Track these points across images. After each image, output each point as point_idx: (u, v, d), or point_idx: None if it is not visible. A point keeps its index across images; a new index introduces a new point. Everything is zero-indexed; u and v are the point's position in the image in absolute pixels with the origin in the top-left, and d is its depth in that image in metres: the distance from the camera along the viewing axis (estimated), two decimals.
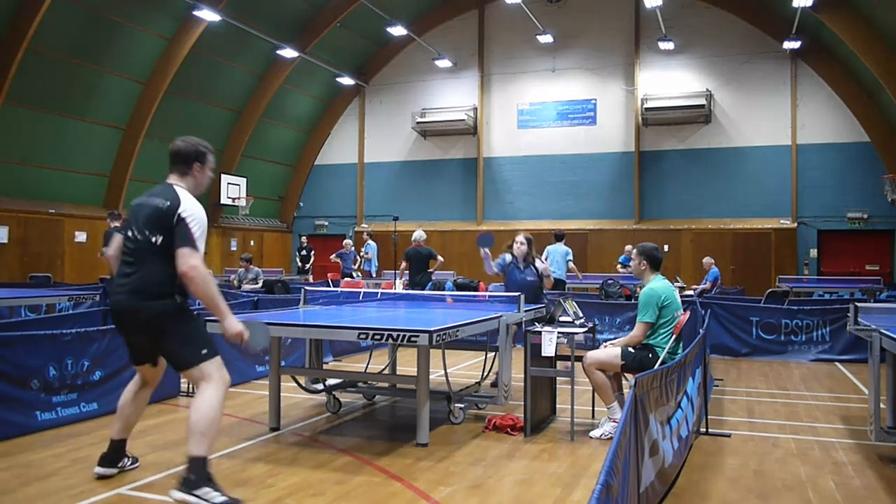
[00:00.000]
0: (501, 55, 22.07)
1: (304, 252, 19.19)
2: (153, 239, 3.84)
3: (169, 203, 3.85)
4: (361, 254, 16.84)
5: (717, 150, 19.87)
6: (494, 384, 6.62)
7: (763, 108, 19.51)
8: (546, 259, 12.63)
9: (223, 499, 3.67)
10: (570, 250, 12.92)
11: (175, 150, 4.06)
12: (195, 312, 4.12)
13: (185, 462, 3.77)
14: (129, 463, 4.38)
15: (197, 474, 3.68)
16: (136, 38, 16.99)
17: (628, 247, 16.59)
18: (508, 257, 7.42)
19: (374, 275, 16.75)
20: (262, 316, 5.59)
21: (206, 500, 3.63)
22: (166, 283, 3.85)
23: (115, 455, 4.28)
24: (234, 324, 3.92)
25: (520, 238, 7.37)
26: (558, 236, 13.10)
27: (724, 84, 19.84)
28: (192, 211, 3.85)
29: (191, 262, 3.73)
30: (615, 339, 5.71)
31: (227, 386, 4.00)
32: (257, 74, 20.64)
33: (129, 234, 3.94)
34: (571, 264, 12.90)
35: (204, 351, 3.92)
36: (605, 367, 5.34)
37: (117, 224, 10.68)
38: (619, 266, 16.43)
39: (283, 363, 5.92)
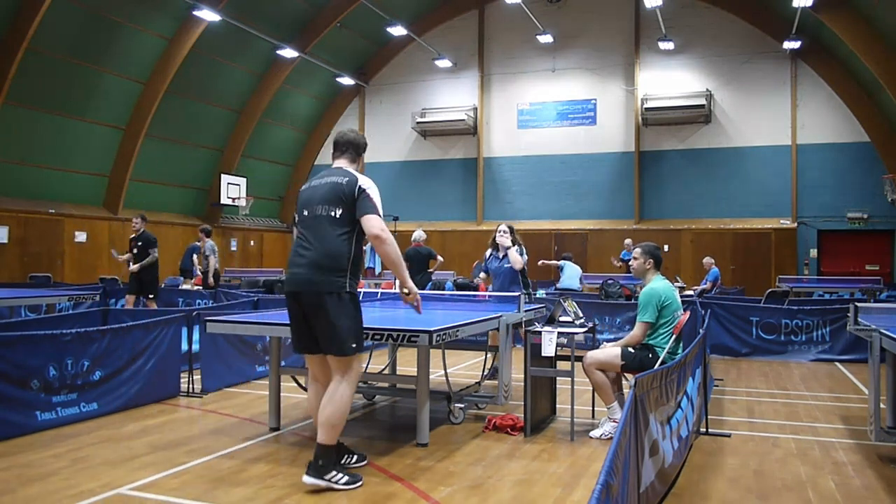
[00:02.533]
0: (501, 55, 22.07)
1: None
2: (333, 212, 4.09)
3: (348, 179, 4.13)
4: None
5: (717, 150, 19.87)
6: (493, 375, 6.61)
7: (763, 108, 19.52)
8: (561, 269, 13.83)
9: (347, 478, 4.03)
10: (580, 270, 14.05)
11: (347, 139, 4.37)
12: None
13: (314, 450, 4.08)
14: (353, 460, 4.46)
15: (326, 460, 3.99)
16: (136, 38, 16.99)
17: (628, 241, 16.66)
18: (488, 252, 7.55)
19: (378, 272, 16.77)
20: (268, 316, 5.59)
21: (334, 482, 3.98)
22: (340, 258, 4.07)
23: (339, 453, 4.37)
24: (413, 287, 4.26)
25: (502, 227, 7.43)
26: (566, 257, 14.10)
27: (724, 84, 19.85)
28: (371, 184, 4.14)
29: (381, 225, 4.04)
30: (615, 339, 5.70)
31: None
32: (257, 74, 20.64)
33: (307, 213, 4.16)
34: (582, 283, 14.01)
35: (353, 346, 4.11)
36: (605, 367, 5.34)
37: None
38: (614, 261, 16.47)
39: (283, 363, 5.91)
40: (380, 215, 4.08)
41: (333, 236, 4.07)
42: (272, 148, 22.78)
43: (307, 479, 3.99)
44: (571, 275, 13.59)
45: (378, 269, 17.01)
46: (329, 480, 3.98)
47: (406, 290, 4.26)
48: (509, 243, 7.25)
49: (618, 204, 20.63)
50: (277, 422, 5.51)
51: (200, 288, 13.83)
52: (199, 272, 16.70)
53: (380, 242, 4.05)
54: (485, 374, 6.60)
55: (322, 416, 4.04)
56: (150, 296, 10.77)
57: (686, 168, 20.13)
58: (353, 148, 4.37)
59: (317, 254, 4.07)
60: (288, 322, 4.31)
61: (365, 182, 4.13)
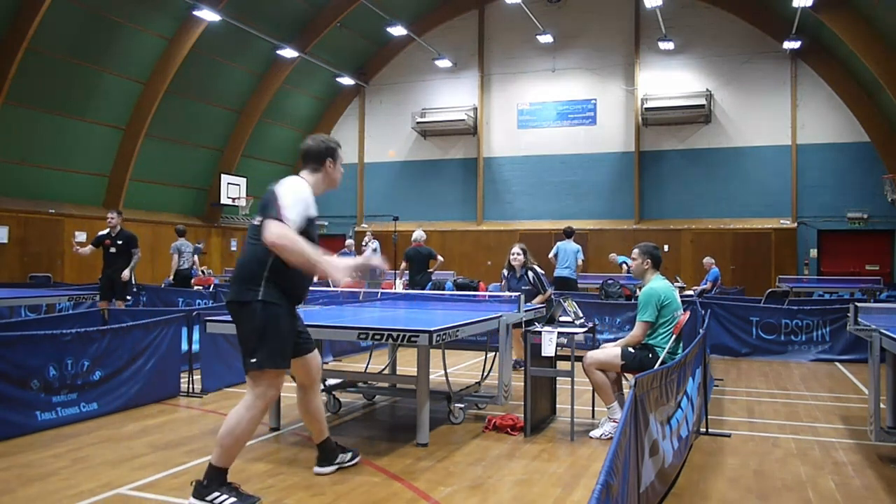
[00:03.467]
0: (501, 55, 22.07)
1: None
2: (255, 221, 3.86)
3: (274, 187, 3.82)
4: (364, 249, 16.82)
5: (717, 150, 19.87)
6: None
7: (763, 108, 19.51)
8: (556, 256, 12.66)
9: (233, 500, 3.74)
10: (580, 248, 12.80)
11: (306, 148, 4.10)
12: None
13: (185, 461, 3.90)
14: (348, 458, 4.46)
15: (209, 480, 3.76)
16: (136, 38, 16.99)
17: (612, 256, 16.55)
18: (506, 272, 7.88)
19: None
20: None
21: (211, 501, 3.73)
22: (256, 268, 3.82)
23: (329, 454, 4.39)
24: (328, 269, 3.75)
25: (514, 249, 7.77)
26: (568, 233, 12.93)
27: (724, 84, 19.85)
28: (289, 185, 3.81)
29: (279, 231, 3.62)
30: (615, 339, 5.70)
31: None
32: (257, 74, 20.63)
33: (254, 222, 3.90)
34: (580, 262, 12.82)
35: (265, 360, 3.89)
36: (606, 367, 5.34)
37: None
38: (614, 257, 16.31)
39: None
40: (285, 219, 3.64)
41: (251, 246, 3.84)
42: (272, 148, 22.78)
43: (318, 470, 3.98)
44: (562, 259, 12.46)
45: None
46: (211, 502, 3.69)
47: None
48: (517, 263, 7.69)
49: (618, 204, 20.63)
50: (277, 422, 5.51)
51: (201, 288, 13.83)
52: (199, 272, 16.73)
53: (279, 251, 3.64)
54: (485, 375, 6.59)
55: (219, 433, 3.78)
56: (127, 299, 9.95)
57: (686, 168, 20.12)
58: (312, 157, 4.06)
59: (237, 266, 3.98)
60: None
61: (282, 184, 3.82)
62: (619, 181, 20.66)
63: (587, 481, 4.28)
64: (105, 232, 9.91)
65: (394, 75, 23.24)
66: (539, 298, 7.61)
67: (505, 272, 7.95)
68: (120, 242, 9.73)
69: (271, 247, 3.63)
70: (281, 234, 3.60)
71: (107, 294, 9.71)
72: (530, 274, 7.66)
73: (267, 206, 3.73)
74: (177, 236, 13.49)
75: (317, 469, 4.37)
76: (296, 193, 3.78)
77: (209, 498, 3.69)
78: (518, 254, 7.66)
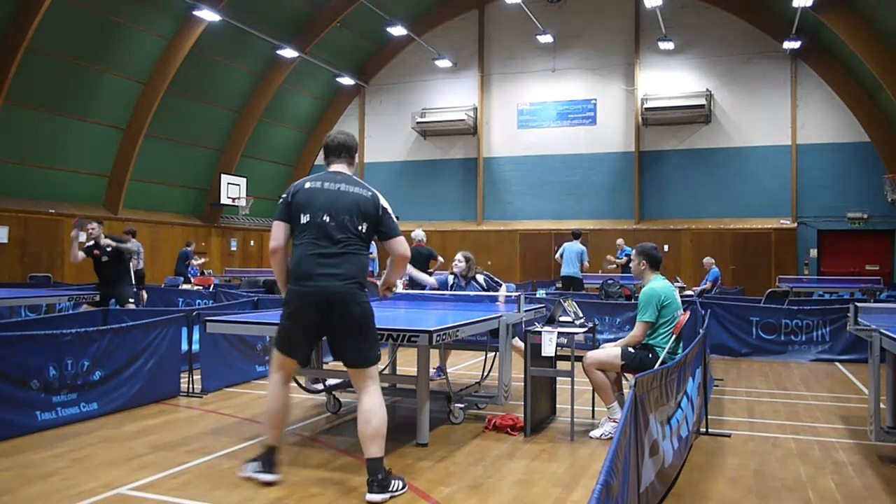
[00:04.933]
0: (501, 55, 22.08)
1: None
2: (360, 227, 4.08)
3: (371, 194, 4.16)
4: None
5: (717, 150, 19.88)
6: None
7: (763, 108, 19.52)
8: (560, 255, 13.10)
9: (402, 482, 4.04)
10: (584, 249, 13.21)
11: (340, 142, 4.29)
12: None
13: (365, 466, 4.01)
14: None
15: (384, 473, 3.95)
16: (136, 38, 16.99)
17: (620, 240, 16.62)
18: (451, 278, 7.60)
19: (375, 274, 16.77)
20: (268, 316, 5.59)
21: (396, 491, 3.96)
22: (365, 274, 4.17)
23: (275, 459, 4.22)
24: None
25: (458, 256, 7.57)
26: (575, 234, 13.44)
27: (724, 84, 19.85)
28: (386, 202, 4.23)
29: (407, 247, 4.23)
30: (616, 339, 5.70)
31: None
32: (257, 74, 20.64)
33: (329, 219, 4.03)
34: (586, 263, 13.12)
35: (379, 353, 4.17)
36: (606, 367, 5.34)
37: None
38: (607, 265, 16.36)
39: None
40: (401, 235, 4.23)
41: (358, 249, 4.09)
42: (272, 148, 22.78)
43: (371, 497, 3.85)
44: (568, 259, 12.87)
45: (375, 272, 17.03)
46: (392, 492, 3.93)
47: (389, 291, 4.62)
48: (459, 270, 7.46)
49: (618, 204, 20.64)
50: None
51: (200, 288, 13.85)
52: (197, 273, 16.73)
53: (404, 264, 4.30)
54: (485, 375, 6.60)
55: (370, 428, 3.95)
56: (130, 301, 9.23)
57: (686, 168, 20.13)
58: (346, 151, 4.28)
59: (352, 267, 4.04)
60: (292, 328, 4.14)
61: (384, 201, 4.20)
62: (619, 181, 20.66)
63: (587, 481, 4.28)
64: (91, 243, 9.23)
65: (394, 75, 23.24)
66: (504, 289, 7.37)
67: (450, 278, 7.64)
68: (109, 250, 9.05)
69: (403, 260, 4.24)
70: (408, 249, 4.27)
71: (104, 302, 9.06)
72: (480, 278, 7.51)
73: (380, 221, 4.13)
74: (130, 238, 12.75)
75: (263, 477, 4.18)
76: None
77: (392, 488, 3.94)
78: (460, 261, 7.46)
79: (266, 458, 4.17)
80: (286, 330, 4.14)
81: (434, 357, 7.33)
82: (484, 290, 7.40)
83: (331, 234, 4.02)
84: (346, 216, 4.02)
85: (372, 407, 4.00)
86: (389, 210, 4.17)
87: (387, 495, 3.90)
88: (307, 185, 4.14)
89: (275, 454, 4.20)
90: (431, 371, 7.03)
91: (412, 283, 10.80)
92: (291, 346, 4.17)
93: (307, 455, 4.81)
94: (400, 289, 4.46)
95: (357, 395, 4.11)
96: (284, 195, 4.15)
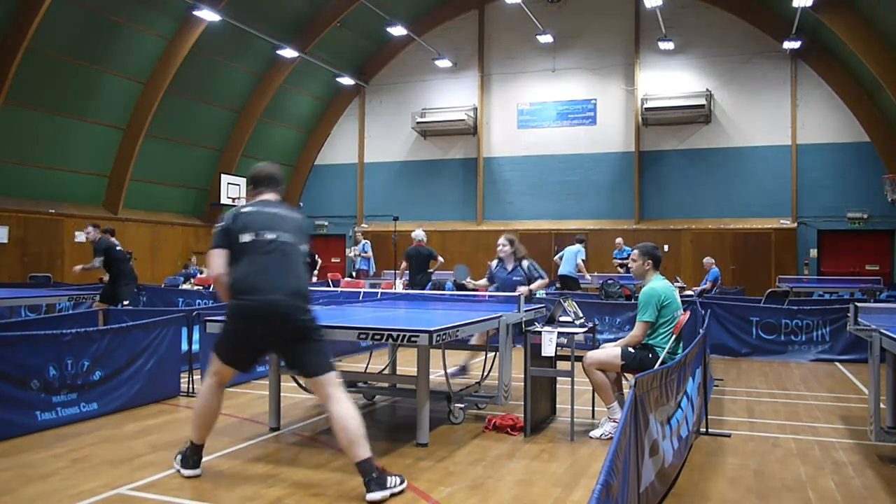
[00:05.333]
0: (501, 55, 22.07)
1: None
2: (302, 247, 4.34)
3: (303, 217, 4.54)
4: (360, 254, 16.86)
5: (717, 150, 19.87)
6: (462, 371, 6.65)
7: (763, 108, 19.51)
8: (560, 258, 13.46)
9: (400, 478, 4.05)
10: (581, 249, 13.51)
11: (268, 173, 4.54)
12: None
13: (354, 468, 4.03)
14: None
15: (378, 472, 3.96)
16: (136, 38, 16.99)
17: (619, 240, 16.65)
18: (494, 262, 7.53)
19: (371, 273, 16.77)
20: None
21: (394, 487, 3.97)
22: (308, 287, 4.35)
23: (199, 457, 4.36)
24: None
25: (501, 240, 7.45)
26: (579, 240, 13.76)
27: (724, 84, 19.84)
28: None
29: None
30: (616, 339, 5.70)
31: None
32: (257, 74, 20.63)
33: (275, 237, 4.21)
34: (580, 263, 13.28)
35: (332, 361, 4.26)
36: (606, 367, 5.34)
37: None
38: (616, 263, 16.41)
39: (283, 363, 5.91)
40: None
41: (306, 266, 4.39)
42: (272, 148, 22.77)
43: (371, 496, 3.87)
44: (567, 260, 13.26)
45: (371, 271, 17.05)
46: (391, 488, 3.96)
47: None
48: (504, 254, 7.34)
49: (618, 204, 20.63)
50: (277, 422, 5.51)
51: (200, 288, 13.85)
52: (198, 273, 16.74)
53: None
54: (485, 375, 6.60)
55: (349, 433, 3.98)
56: (125, 302, 9.54)
57: (686, 168, 20.12)
58: (275, 181, 4.52)
59: (302, 287, 4.23)
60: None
61: (304, 221, 4.53)
62: (619, 181, 20.66)
63: (587, 481, 4.28)
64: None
65: (394, 75, 23.23)
66: (540, 283, 7.33)
67: (493, 264, 7.55)
68: (102, 257, 9.38)
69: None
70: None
71: (107, 300, 9.39)
72: (525, 263, 7.33)
73: (306, 239, 4.43)
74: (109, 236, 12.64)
75: (186, 472, 4.32)
76: None
77: (389, 485, 3.95)
78: (504, 245, 7.32)
79: (190, 454, 4.30)
80: (231, 342, 4.24)
81: (456, 356, 7.33)
82: (525, 276, 7.25)
83: (276, 250, 4.19)
84: (290, 234, 4.26)
85: (344, 413, 4.03)
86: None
87: (387, 492, 3.90)
88: (244, 209, 4.34)
89: (199, 452, 4.33)
90: (453, 369, 7.05)
91: (412, 282, 10.82)
92: (235, 357, 4.25)
93: (307, 455, 4.81)
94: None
95: (325, 405, 4.13)
96: (222, 223, 4.25)
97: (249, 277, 4.10)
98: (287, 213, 4.38)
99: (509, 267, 7.31)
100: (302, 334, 4.12)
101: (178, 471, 4.30)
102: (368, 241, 17.40)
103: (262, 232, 4.17)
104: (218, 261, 4.19)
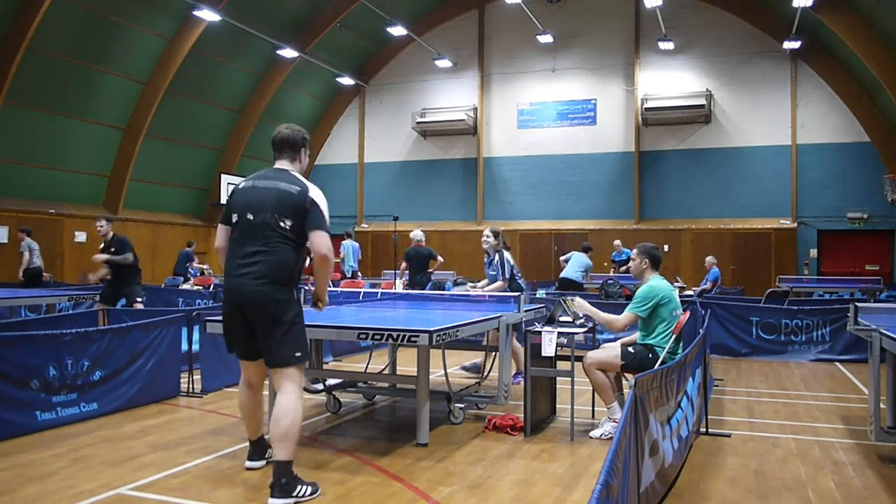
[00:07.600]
0: (501, 55, 22.07)
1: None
2: (285, 223, 3.96)
3: (299, 189, 4.00)
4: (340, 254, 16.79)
5: (717, 150, 19.88)
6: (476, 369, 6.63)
7: (763, 108, 19.52)
8: (566, 260, 13.34)
9: (312, 488, 3.94)
10: (590, 263, 13.34)
11: (283, 137, 4.21)
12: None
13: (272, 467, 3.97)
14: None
15: (289, 478, 3.86)
16: (136, 38, 16.99)
17: (617, 242, 16.64)
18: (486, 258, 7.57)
19: (349, 276, 16.61)
20: None
21: (302, 497, 3.86)
22: (294, 271, 4.02)
23: (262, 449, 4.48)
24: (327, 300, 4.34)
25: (486, 231, 7.41)
26: (586, 248, 13.61)
27: (724, 84, 19.85)
28: (320, 196, 4.05)
29: (329, 244, 3.97)
30: (616, 339, 5.70)
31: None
32: (257, 74, 20.64)
33: (252, 217, 3.99)
34: (586, 275, 13.30)
35: (299, 354, 4.00)
36: (606, 366, 5.34)
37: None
38: (613, 264, 16.42)
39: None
40: (328, 232, 4.00)
41: (285, 246, 3.97)
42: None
43: (276, 502, 3.77)
44: (573, 265, 13.17)
45: (355, 269, 17.01)
46: (298, 497, 3.84)
47: (319, 304, 4.29)
48: (488, 245, 7.33)
49: (618, 204, 20.64)
50: None
51: (200, 288, 13.85)
52: (197, 273, 16.73)
53: (324, 262, 3.99)
54: (485, 375, 6.60)
55: (279, 428, 3.83)
56: (138, 300, 9.35)
57: (686, 168, 20.13)
58: (290, 146, 4.21)
59: (268, 264, 3.94)
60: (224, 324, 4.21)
61: (315, 193, 4.03)
62: (619, 181, 20.66)
63: (587, 481, 4.28)
64: (103, 245, 9.42)
65: (394, 75, 23.24)
66: (497, 285, 7.19)
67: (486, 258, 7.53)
68: (113, 249, 9.23)
69: (322, 258, 3.95)
70: (331, 247, 3.98)
71: (108, 299, 9.21)
72: (496, 258, 7.27)
73: (308, 214, 3.96)
74: (25, 236, 12.33)
75: (249, 463, 4.47)
76: (326, 205, 4.06)
77: (296, 493, 3.84)
78: (488, 235, 7.26)
79: (251, 448, 4.47)
80: (223, 325, 4.25)
81: (457, 356, 7.30)
82: (501, 270, 7.22)
83: (251, 232, 3.99)
84: (269, 213, 3.96)
85: (285, 407, 3.88)
86: (321, 204, 4.00)
87: (290, 500, 3.79)
88: (241, 184, 4.20)
89: (255, 445, 4.44)
90: (469, 363, 7.01)
91: (412, 282, 10.82)
92: (228, 341, 4.25)
93: (307, 455, 4.80)
94: (327, 303, 4.32)
95: (276, 394, 4.00)
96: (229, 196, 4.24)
97: (228, 260, 4.09)
98: (277, 185, 4.02)
99: (493, 260, 7.33)
100: (270, 321, 3.93)
101: (246, 465, 4.43)
102: (349, 243, 17.24)
103: (244, 212, 4.02)
104: (219, 234, 4.21)
